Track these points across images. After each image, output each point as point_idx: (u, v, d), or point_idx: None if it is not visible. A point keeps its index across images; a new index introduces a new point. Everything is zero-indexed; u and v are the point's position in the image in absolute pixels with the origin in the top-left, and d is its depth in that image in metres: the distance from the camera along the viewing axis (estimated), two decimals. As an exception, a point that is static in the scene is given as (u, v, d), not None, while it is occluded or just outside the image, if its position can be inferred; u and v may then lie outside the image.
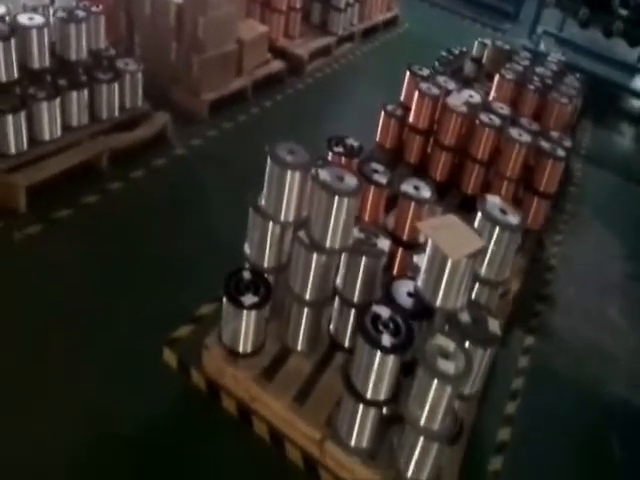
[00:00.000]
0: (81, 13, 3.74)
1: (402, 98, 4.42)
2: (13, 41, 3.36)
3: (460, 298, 2.29)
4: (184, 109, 4.48)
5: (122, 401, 2.51)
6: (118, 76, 3.83)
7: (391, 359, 2.11)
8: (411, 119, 4.15)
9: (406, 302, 2.40)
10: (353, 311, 2.58)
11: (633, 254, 4.46)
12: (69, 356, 2.65)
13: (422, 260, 2.40)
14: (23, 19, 3.49)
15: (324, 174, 2.42)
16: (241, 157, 4.23)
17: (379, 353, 2.09)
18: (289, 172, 2.41)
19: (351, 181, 2.44)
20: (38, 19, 3.52)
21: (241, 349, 2.56)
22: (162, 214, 3.59)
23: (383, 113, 4.22)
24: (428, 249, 2.29)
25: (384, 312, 2.24)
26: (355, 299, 2.56)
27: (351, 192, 2.39)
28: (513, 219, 2.53)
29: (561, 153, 3.92)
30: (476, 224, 2.52)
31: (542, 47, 7.79)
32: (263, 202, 2.54)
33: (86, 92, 3.65)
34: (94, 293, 2.97)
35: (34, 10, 3.65)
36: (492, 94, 4.74)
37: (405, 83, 4.39)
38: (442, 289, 2.25)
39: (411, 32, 7.47)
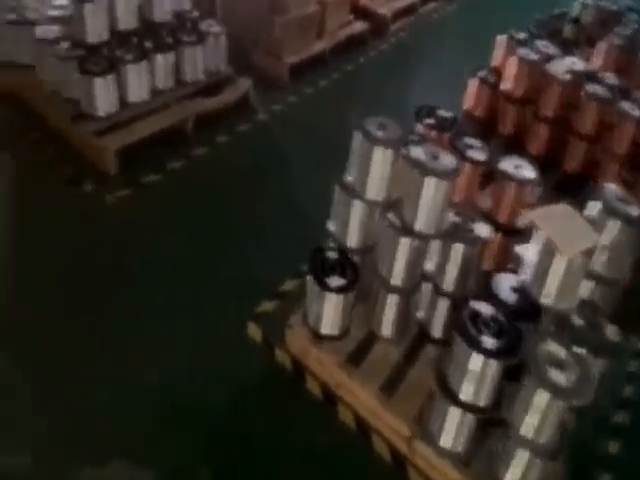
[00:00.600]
0: (165, -27, 3.62)
1: (495, 63, 4.07)
2: (102, 2, 3.30)
3: (572, 298, 2.08)
4: (265, 73, 4.36)
5: (204, 372, 2.49)
6: (202, 38, 3.73)
7: (494, 364, 1.95)
8: (506, 87, 3.81)
9: (509, 298, 2.20)
10: (445, 300, 2.43)
11: None
12: (152, 320, 2.66)
13: (526, 251, 2.21)
14: (112, -20, 3.42)
15: (417, 152, 2.24)
16: (322, 124, 4.07)
17: (480, 356, 1.93)
18: (379, 149, 2.24)
19: (447, 160, 2.24)
20: (126, -20, 3.44)
21: (325, 331, 2.46)
22: (245, 182, 3.52)
23: (474, 79, 3.90)
24: (537, 241, 2.09)
25: (485, 309, 2.06)
26: (447, 288, 2.41)
27: (447, 173, 2.19)
28: (634, 210, 2.26)
29: (679, 131, 3.51)
30: (593, 214, 2.28)
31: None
32: (350, 178, 2.39)
33: (172, 55, 3.58)
34: (179, 259, 2.97)
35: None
36: (595, 61, 4.30)
37: (499, 46, 4.02)
38: (552, 287, 2.05)
39: (504, -11, 6.90)
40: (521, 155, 3.36)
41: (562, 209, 2.16)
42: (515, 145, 3.78)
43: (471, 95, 3.93)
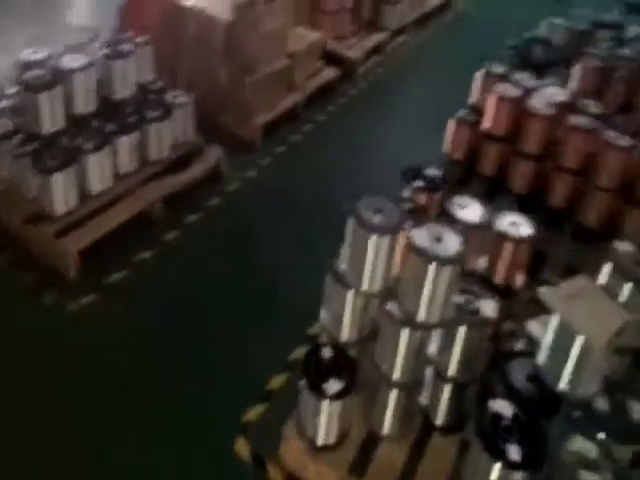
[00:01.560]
0: (127, 46, 3.41)
1: (473, 100, 3.94)
2: (58, 88, 3.09)
3: (596, 382, 1.89)
4: (235, 136, 4.16)
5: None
6: (168, 112, 3.50)
7: (520, 476, 1.74)
8: (487, 125, 3.68)
9: (525, 388, 1.99)
10: (450, 386, 2.25)
11: None
12: (125, 442, 2.40)
13: (540, 330, 2.03)
14: (67, 61, 3.20)
15: (419, 237, 2.04)
16: (299, 188, 3.89)
17: (505, 469, 1.72)
18: (376, 237, 2.05)
19: (452, 242, 2.05)
20: (82, 59, 3.22)
21: (323, 441, 2.23)
22: (221, 267, 3.28)
23: (453, 120, 3.76)
24: (554, 322, 1.90)
25: (505, 409, 1.85)
26: (453, 373, 2.23)
27: (453, 258, 2.00)
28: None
29: (670, 157, 3.38)
30: (605, 278, 2.10)
31: (612, 15, 7.05)
32: (343, 267, 2.20)
33: (136, 134, 3.35)
34: (153, 368, 2.72)
35: (78, 49, 3.37)
36: (573, 84, 4.19)
37: (477, 82, 3.90)
38: (575, 373, 1.87)
39: (467, 14, 6.86)
40: (504, 194, 3.43)
41: (580, 284, 1.98)
42: (498, 184, 3.65)
43: (451, 137, 3.79)
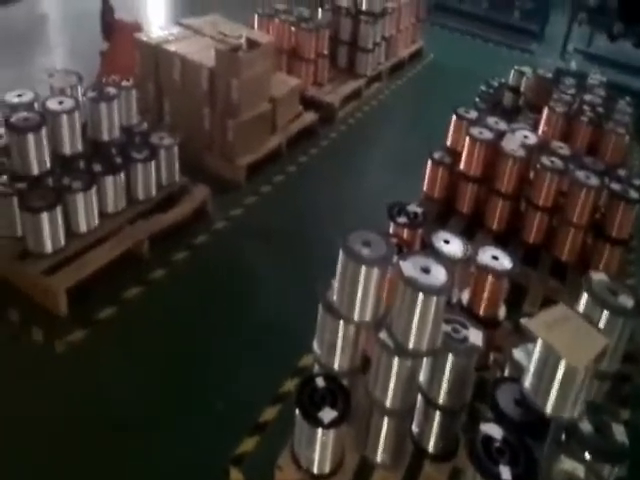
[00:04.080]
0: (112, 90, 3.54)
1: (449, 143, 4.13)
2: (44, 130, 3.16)
3: (580, 404, 1.96)
4: (219, 176, 4.25)
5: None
6: (154, 153, 3.59)
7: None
8: (462, 166, 3.86)
9: (513, 411, 2.06)
10: (440, 414, 2.30)
11: None
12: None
13: (526, 357, 2.11)
14: (52, 104, 3.30)
15: (408, 268, 2.13)
16: (284, 225, 3.98)
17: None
18: (365, 269, 2.13)
19: (439, 274, 2.14)
20: (68, 102, 3.32)
21: (318, 470, 2.24)
22: (209, 302, 3.31)
23: (430, 161, 3.94)
24: (538, 349, 1.97)
25: (495, 432, 1.91)
26: (443, 401, 2.28)
27: (440, 289, 2.09)
28: (627, 300, 2.19)
29: (634, 195, 3.58)
30: (582, 307, 2.20)
31: (573, 65, 7.51)
32: (335, 298, 2.26)
33: (122, 175, 3.42)
34: (146, 405, 2.70)
35: (62, 92, 3.47)
36: (541, 128, 4.43)
37: (451, 127, 4.10)
38: (560, 397, 1.93)
39: (437, 62, 7.23)
40: (481, 231, 3.59)
41: (562, 312, 2.06)
42: (475, 223, 3.80)
43: (429, 177, 3.95)
